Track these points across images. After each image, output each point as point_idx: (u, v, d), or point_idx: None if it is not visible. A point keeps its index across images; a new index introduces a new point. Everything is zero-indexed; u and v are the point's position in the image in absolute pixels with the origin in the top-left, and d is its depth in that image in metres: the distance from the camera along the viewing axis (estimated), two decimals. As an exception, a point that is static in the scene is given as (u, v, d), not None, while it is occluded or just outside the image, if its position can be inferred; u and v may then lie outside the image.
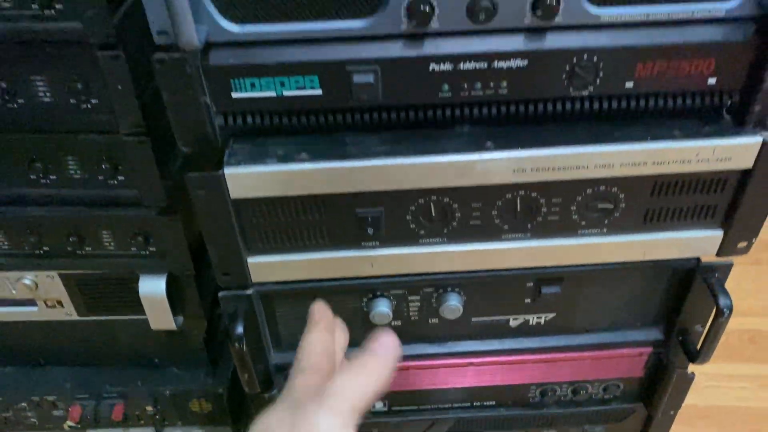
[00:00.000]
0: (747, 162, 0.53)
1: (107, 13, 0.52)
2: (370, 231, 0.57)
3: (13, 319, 0.76)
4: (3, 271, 0.71)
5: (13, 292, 0.72)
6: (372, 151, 0.53)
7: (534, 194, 0.55)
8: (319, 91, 0.51)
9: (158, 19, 0.47)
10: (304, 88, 0.51)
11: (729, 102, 0.53)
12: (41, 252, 0.68)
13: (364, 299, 0.64)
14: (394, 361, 0.45)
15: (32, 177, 0.64)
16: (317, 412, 0.39)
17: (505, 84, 0.51)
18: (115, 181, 0.64)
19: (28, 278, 0.71)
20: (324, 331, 0.48)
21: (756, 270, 1.29)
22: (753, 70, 0.50)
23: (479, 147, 0.53)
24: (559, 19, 0.48)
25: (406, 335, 0.61)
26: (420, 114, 0.53)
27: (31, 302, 0.75)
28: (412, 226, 0.57)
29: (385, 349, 0.45)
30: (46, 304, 0.75)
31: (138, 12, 0.49)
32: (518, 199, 0.56)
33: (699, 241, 0.59)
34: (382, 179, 0.53)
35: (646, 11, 0.48)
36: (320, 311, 0.50)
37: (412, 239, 0.58)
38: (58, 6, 0.53)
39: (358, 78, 0.50)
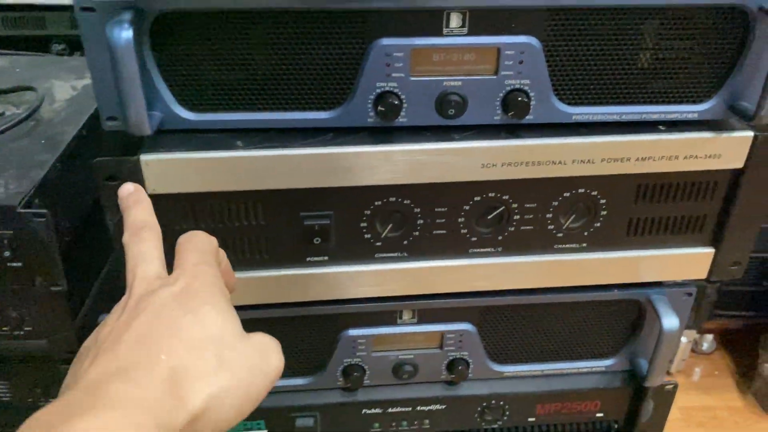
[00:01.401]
0: (636, 478, 0.62)
1: (72, 334, 0.58)
2: None
3: None
4: None
5: None
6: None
7: None
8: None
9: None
10: (251, 429, 0.58)
11: (616, 426, 0.63)
12: None
13: None
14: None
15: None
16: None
17: (427, 421, 0.59)
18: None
19: None
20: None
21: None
22: (630, 407, 0.60)
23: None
24: (471, 376, 0.57)
25: None
26: (354, 442, 0.61)
27: None
28: None
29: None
30: None
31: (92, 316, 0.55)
32: None
33: None
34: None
35: (541, 368, 0.58)
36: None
37: None
38: (27, 328, 0.60)
39: (300, 422, 0.58)
